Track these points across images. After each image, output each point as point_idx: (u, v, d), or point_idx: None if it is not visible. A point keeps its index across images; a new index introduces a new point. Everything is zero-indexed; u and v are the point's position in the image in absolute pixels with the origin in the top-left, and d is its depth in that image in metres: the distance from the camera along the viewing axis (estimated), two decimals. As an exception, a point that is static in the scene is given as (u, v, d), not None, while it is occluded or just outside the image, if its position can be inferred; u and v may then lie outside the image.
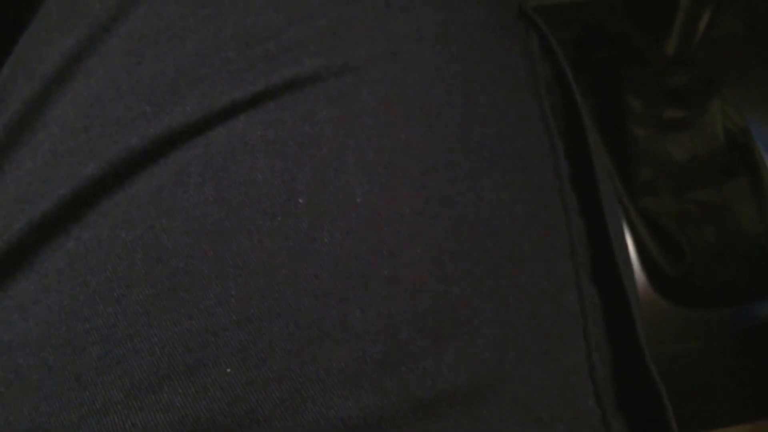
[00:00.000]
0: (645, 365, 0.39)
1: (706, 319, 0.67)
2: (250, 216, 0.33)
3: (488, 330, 0.35)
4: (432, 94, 0.39)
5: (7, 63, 0.40)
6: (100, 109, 0.35)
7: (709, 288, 0.69)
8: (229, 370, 0.30)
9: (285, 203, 0.33)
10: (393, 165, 0.36)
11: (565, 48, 0.51)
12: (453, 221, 0.36)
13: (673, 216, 0.72)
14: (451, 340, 0.33)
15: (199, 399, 0.30)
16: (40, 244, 0.33)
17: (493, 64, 0.44)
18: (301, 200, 0.33)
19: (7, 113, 0.36)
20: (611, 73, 0.76)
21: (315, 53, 0.37)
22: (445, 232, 0.36)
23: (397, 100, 0.38)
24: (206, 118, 0.34)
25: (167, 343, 0.30)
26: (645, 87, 0.75)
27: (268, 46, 0.37)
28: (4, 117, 0.36)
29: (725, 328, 0.67)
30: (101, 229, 0.33)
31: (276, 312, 0.31)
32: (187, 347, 0.30)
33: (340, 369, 0.31)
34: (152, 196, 0.33)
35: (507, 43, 0.46)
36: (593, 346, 0.38)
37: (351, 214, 0.34)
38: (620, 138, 0.74)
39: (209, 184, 0.33)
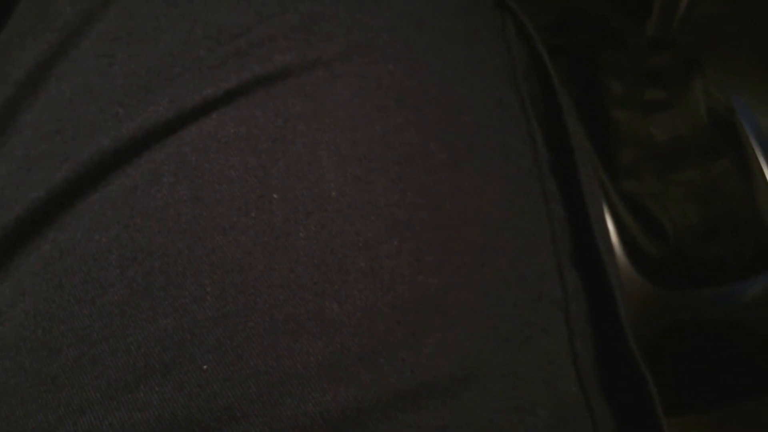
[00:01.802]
0: (628, 348, 0.39)
1: (690, 300, 0.67)
2: (224, 213, 0.33)
3: (468, 319, 0.35)
4: (407, 85, 0.39)
5: None
6: (72, 112, 0.35)
7: (694, 269, 0.69)
8: (205, 367, 0.30)
9: (259, 199, 0.33)
10: (368, 157, 0.36)
11: (543, 33, 0.51)
12: (430, 211, 0.36)
13: (656, 197, 0.72)
14: (431, 331, 0.33)
15: (176, 397, 0.30)
16: (15, 249, 0.33)
17: (468, 52, 0.44)
18: (275, 195, 0.34)
19: None
20: (590, 57, 0.76)
21: (286, 48, 0.37)
22: (422, 223, 0.36)
23: (371, 92, 0.38)
24: (179, 116, 0.35)
25: (143, 343, 0.30)
26: (625, 69, 0.75)
27: (240, 43, 0.37)
28: None
29: (710, 309, 0.67)
30: (76, 231, 0.33)
31: (252, 307, 0.31)
32: (163, 346, 0.30)
33: (318, 363, 0.31)
34: (126, 196, 0.33)
35: (482, 31, 0.46)
36: (575, 332, 0.38)
37: (326, 207, 0.34)
38: (601, 121, 0.74)
39: (183, 183, 0.33)
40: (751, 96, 0.73)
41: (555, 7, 0.77)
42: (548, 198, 0.42)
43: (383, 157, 0.36)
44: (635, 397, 0.39)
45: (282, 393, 0.31)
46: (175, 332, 0.31)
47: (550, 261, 0.40)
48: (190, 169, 0.33)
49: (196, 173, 0.33)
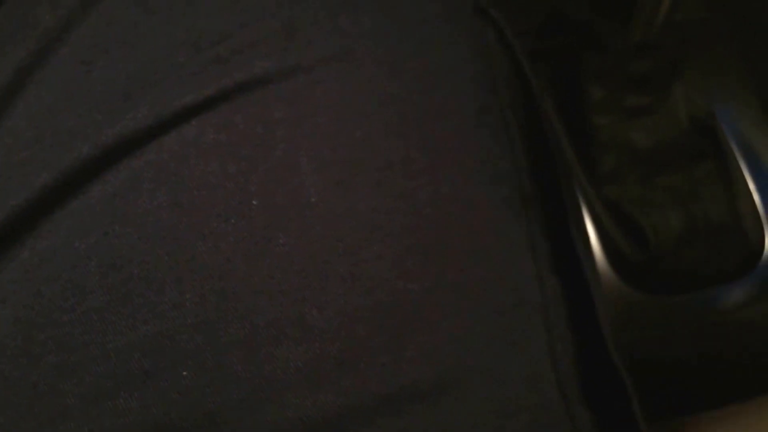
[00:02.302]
0: (608, 353, 0.39)
1: (670, 305, 0.68)
2: (204, 219, 0.33)
3: (449, 324, 0.35)
4: (387, 91, 0.39)
5: None
6: (52, 119, 0.35)
7: (675, 274, 0.69)
8: (185, 373, 0.30)
9: (238, 205, 0.33)
10: (348, 162, 0.36)
11: (525, 38, 0.51)
12: (411, 216, 0.36)
13: (637, 203, 0.72)
14: (411, 335, 0.34)
15: (156, 404, 0.30)
16: None
17: (449, 59, 0.44)
18: (255, 202, 0.34)
19: None
20: (573, 61, 0.76)
21: (266, 55, 0.37)
22: (402, 228, 0.36)
23: (352, 97, 0.38)
24: (159, 123, 0.35)
25: (123, 349, 0.30)
26: (605, 74, 0.75)
27: (219, 50, 0.37)
28: None
29: (690, 314, 0.67)
30: (55, 239, 0.33)
31: (232, 314, 0.31)
32: (143, 352, 0.30)
33: (298, 368, 0.31)
34: (105, 203, 0.33)
35: (463, 39, 0.46)
36: (555, 337, 0.38)
37: (306, 213, 0.34)
38: (583, 127, 0.74)
39: (162, 189, 0.33)
40: (733, 101, 0.74)
41: (537, 12, 0.78)
42: (527, 204, 0.42)
43: (363, 162, 0.36)
44: (616, 402, 0.39)
45: (263, 399, 0.31)
46: (155, 339, 0.31)
47: (528, 266, 0.40)
48: (170, 175, 0.33)
49: (176, 180, 0.33)
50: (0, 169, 0.34)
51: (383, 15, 0.42)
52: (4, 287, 0.32)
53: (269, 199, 0.34)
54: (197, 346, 0.31)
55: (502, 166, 0.42)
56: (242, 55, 0.37)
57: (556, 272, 0.41)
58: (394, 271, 0.34)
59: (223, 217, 0.33)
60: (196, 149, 0.34)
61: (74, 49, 0.38)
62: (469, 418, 0.34)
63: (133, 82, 0.36)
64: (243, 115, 0.35)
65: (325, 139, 0.36)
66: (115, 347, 0.30)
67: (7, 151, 0.35)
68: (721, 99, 0.74)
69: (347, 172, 0.36)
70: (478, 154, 0.41)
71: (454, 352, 0.34)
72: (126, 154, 0.34)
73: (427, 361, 0.34)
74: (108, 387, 0.30)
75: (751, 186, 0.70)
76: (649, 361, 0.66)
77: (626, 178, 0.73)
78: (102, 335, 0.31)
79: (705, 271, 0.69)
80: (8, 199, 0.33)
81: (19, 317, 0.31)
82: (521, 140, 0.45)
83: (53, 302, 0.31)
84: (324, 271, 0.33)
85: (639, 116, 0.75)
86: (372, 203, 0.35)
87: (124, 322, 0.31)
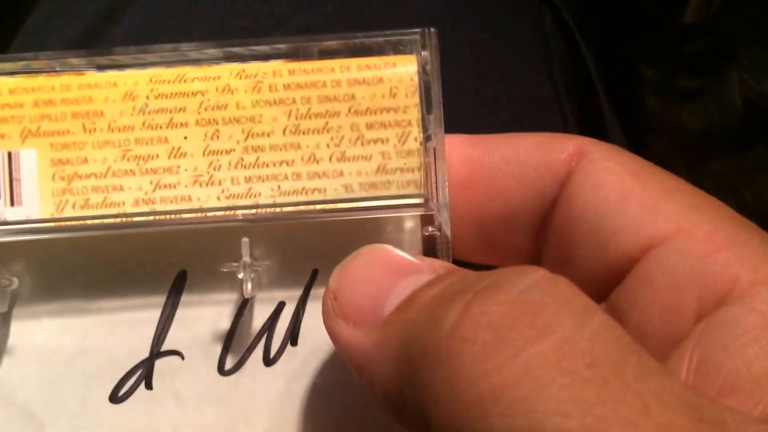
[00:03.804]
0: None
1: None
2: None
3: None
4: (444, 79, 0.38)
5: (10, 50, 0.40)
6: None
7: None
8: None
9: None
10: None
11: (573, 15, 0.50)
12: None
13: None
14: None
15: None
16: None
17: (505, 44, 0.43)
18: None
19: None
20: (623, 41, 0.74)
21: (281, 41, 0.37)
22: None
23: None
24: None
25: None
26: (658, 54, 0.73)
27: (274, 35, 0.36)
28: None
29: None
30: None
31: None
32: None
33: None
34: None
35: (519, 21, 0.45)
36: None
37: None
38: (632, 108, 0.72)
39: None
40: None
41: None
42: None
43: None
44: None
45: None
46: None
47: None
48: None
49: None
50: None
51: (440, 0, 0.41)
52: None
53: None
54: None
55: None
56: None
57: None
58: None
59: None
60: None
61: (127, 29, 0.38)
62: None
63: None
64: None
65: None
66: None
67: None
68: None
69: None
70: None
71: None
72: None
73: None
74: None
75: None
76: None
77: (675, 163, 0.71)
78: None
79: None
80: None
81: None
82: (576, 123, 0.44)
83: None
84: None
85: (691, 99, 0.73)
86: None
87: None
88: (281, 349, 0.27)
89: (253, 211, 0.25)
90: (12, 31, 0.40)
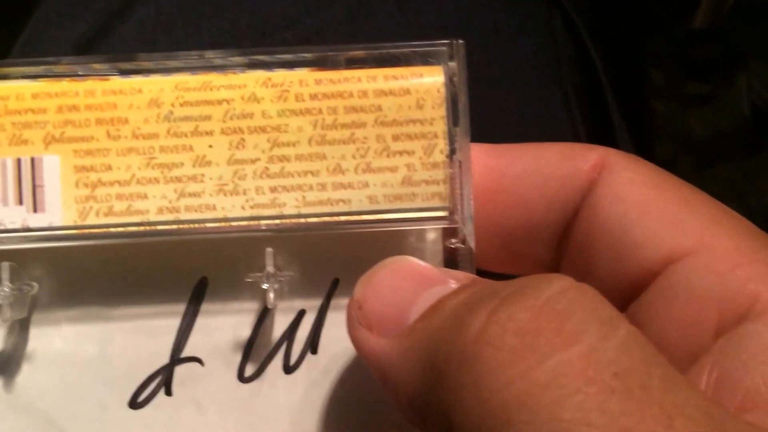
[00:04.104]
0: None
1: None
2: None
3: None
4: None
5: (17, 46, 0.40)
6: None
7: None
8: None
9: None
10: None
11: (583, 18, 0.50)
12: None
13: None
14: None
15: None
16: None
17: (514, 47, 0.43)
18: None
19: None
20: (632, 45, 0.74)
21: (333, 42, 0.36)
22: None
23: None
24: None
25: None
26: (667, 60, 0.73)
27: (286, 36, 0.37)
28: None
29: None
30: None
31: None
32: None
33: None
34: None
35: (528, 24, 0.45)
36: None
37: None
38: (640, 111, 0.72)
39: None
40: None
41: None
42: None
43: None
44: None
45: None
46: None
47: None
48: None
49: None
50: None
51: (450, 3, 0.42)
52: None
53: None
54: None
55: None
56: (308, 43, 0.37)
57: None
58: None
59: None
60: None
61: (137, 26, 0.38)
62: None
63: None
64: None
65: None
66: None
67: None
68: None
69: None
70: None
71: None
72: None
73: None
74: None
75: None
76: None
77: (681, 167, 0.71)
78: None
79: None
80: None
81: None
82: (584, 127, 0.44)
83: None
84: None
85: (699, 104, 0.73)
86: None
87: None
88: (301, 357, 0.27)
89: (278, 221, 0.25)
90: (19, 27, 0.40)
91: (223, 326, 0.27)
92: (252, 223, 0.25)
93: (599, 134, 0.45)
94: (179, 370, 0.27)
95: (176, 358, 0.27)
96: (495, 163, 0.26)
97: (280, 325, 0.27)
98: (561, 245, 0.27)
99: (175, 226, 0.24)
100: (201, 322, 0.27)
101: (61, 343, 0.26)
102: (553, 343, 0.17)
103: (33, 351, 0.26)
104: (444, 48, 0.25)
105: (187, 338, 0.27)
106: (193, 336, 0.27)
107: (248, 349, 0.27)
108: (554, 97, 0.44)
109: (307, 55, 0.25)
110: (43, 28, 0.39)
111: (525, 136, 0.39)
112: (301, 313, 0.27)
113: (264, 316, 0.27)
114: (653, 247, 0.24)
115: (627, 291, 0.24)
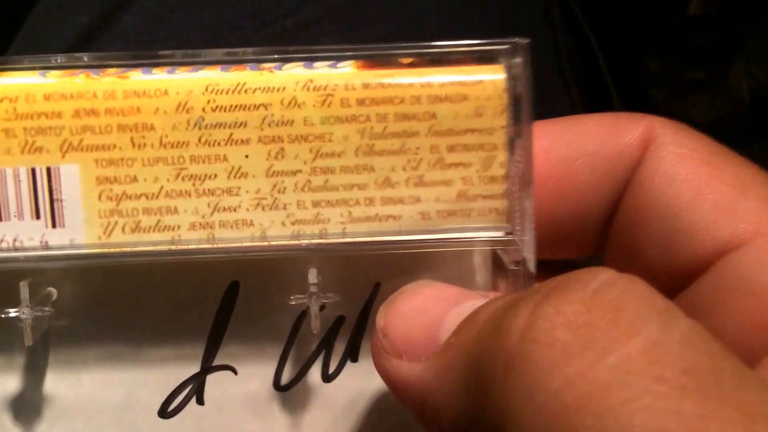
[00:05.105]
0: None
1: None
2: None
3: None
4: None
5: (18, 37, 0.40)
6: None
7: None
8: None
9: None
10: None
11: (582, 7, 0.49)
12: None
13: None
14: None
15: None
16: None
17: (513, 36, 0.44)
18: None
19: None
20: (629, 33, 0.73)
21: (332, 32, 0.36)
22: None
23: None
24: None
25: None
26: (664, 47, 0.73)
27: (285, 24, 0.37)
28: None
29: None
30: None
31: None
32: None
33: None
34: None
35: (527, 13, 0.45)
36: None
37: None
38: (638, 100, 0.71)
39: None
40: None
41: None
42: None
43: None
44: None
45: None
46: None
47: None
48: None
49: None
50: None
51: None
52: None
53: None
54: None
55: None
56: (308, 31, 0.37)
57: None
58: None
59: None
60: None
61: (136, 17, 0.37)
62: None
63: None
64: None
65: None
66: None
67: None
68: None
69: None
70: None
71: None
72: None
73: None
74: None
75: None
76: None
77: (680, 155, 0.71)
78: None
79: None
80: None
81: None
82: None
83: None
84: None
85: (697, 91, 0.72)
86: None
87: None
88: (341, 365, 0.25)
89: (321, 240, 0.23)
90: (20, 18, 0.39)
91: (257, 331, 0.25)
92: (293, 242, 0.22)
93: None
94: (212, 378, 0.25)
95: (208, 366, 0.25)
96: (539, 146, 0.24)
97: (317, 327, 0.25)
98: (606, 227, 0.25)
99: (209, 245, 0.22)
100: (233, 327, 0.25)
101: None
102: (611, 336, 0.15)
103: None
104: (506, 47, 0.23)
105: (219, 344, 0.25)
106: (226, 341, 0.25)
107: (284, 356, 0.25)
108: (554, 86, 0.43)
109: (351, 54, 0.23)
110: (44, 20, 0.39)
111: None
112: (340, 320, 0.25)
113: (300, 322, 0.25)
114: (706, 234, 0.22)
115: (675, 280, 0.23)
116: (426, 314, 0.20)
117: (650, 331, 0.15)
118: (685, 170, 0.23)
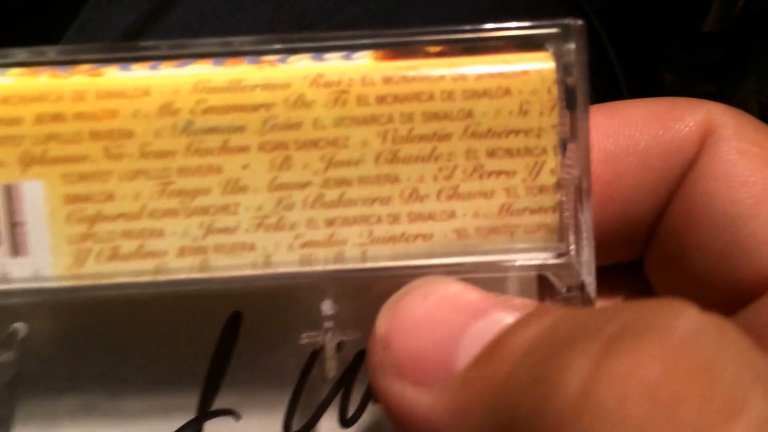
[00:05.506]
0: None
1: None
2: None
3: None
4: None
5: (69, 32, 0.41)
6: None
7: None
8: None
9: None
10: None
11: (601, 19, 0.48)
12: None
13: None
14: None
15: None
16: None
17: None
18: None
19: None
20: (644, 46, 0.72)
21: (368, 36, 0.35)
22: None
23: None
24: None
25: None
26: (679, 61, 0.72)
27: (322, 28, 0.38)
28: None
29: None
30: None
31: None
32: None
33: None
34: None
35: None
36: None
37: None
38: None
39: None
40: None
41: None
42: None
43: None
44: None
45: None
46: None
47: None
48: None
49: None
50: None
51: None
52: None
53: None
54: None
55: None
56: (344, 34, 0.37)
57: None
58: None
59: None
60: None
61: (183, 15, 0.39)
62: None
63: None
64: None
65: None
66: None
67: None
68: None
69: None
70: None
71: None
72: None
73: None
74: None
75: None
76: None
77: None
78: None
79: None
80: None
81: None
82: None
83: None
84: None
85: (709, 104, 0.71)
86: None
87: None
88: (361, 408, 0.22)
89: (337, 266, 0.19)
90: (65, 22, 0.41)
91: (263, 369, 0.22)
92: (303, 269, 0.19)
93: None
94: (210, 426, 0.22)
95: (206, 410, 0.22)
96: None
97: (334, 367, 0.21)
98: (653, 229, 0.22)
99: (202, 275, 0.19)
100: (235, 364, 0.22)
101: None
102: (706, 415, 0.12)
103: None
104: (556, 30, 0.19)
105: (219, 384, 0.22)
106: (226, 382, 0.22)
107: (296, 398, 0.22)
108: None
109: (368, 42, 0.20)
110: (95, 16, 0.41)
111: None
112: (360, 355, 0.22)
113: (314, 358, 0.22)
114: None
115: (727, 299, 0.20)
116: (439, 326, 0.17)
117: (756, 405, 0.12)
118: (747, 171, 0.20)
